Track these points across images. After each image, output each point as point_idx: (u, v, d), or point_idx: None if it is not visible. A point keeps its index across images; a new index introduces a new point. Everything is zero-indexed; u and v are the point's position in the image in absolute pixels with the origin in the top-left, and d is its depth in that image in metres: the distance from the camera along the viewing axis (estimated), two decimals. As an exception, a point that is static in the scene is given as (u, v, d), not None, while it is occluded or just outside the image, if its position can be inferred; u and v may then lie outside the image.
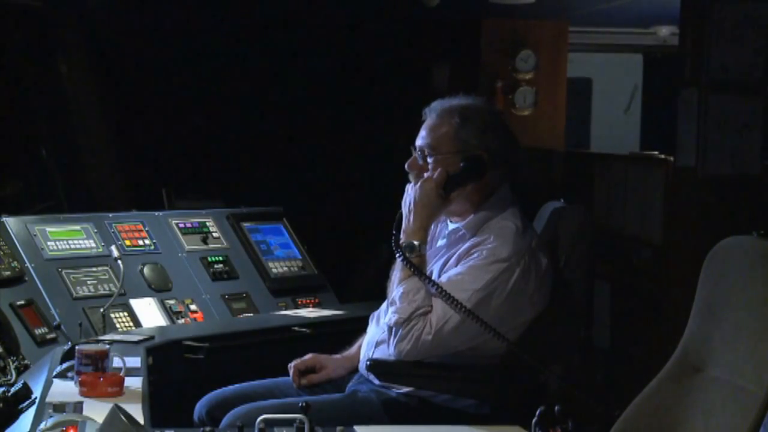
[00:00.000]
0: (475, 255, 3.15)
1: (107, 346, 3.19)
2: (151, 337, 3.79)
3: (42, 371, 3.28)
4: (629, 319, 5.14)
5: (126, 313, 4.37)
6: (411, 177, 3.29)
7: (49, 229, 4.53)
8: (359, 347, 3.46)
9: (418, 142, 3.29)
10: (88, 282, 4.42)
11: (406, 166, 3.30)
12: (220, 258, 4.88)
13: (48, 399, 2.88)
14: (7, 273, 4.21)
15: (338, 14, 6.90)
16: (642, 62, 9.24)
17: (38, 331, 4.07)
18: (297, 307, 4.80)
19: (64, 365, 3.21)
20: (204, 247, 4.89)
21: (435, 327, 3.08)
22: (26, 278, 4.29)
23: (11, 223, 4.44)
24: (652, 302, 4.90)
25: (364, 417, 3.09)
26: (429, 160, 3.25)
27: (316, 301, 4.94)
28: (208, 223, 5.01)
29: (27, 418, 2.76)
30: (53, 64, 6.09)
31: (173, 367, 3.79)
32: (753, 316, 2.61)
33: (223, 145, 6.88)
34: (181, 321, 4.49)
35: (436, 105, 3.32)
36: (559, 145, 6.98)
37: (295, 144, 7.05)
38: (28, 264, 4.33)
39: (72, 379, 3.07)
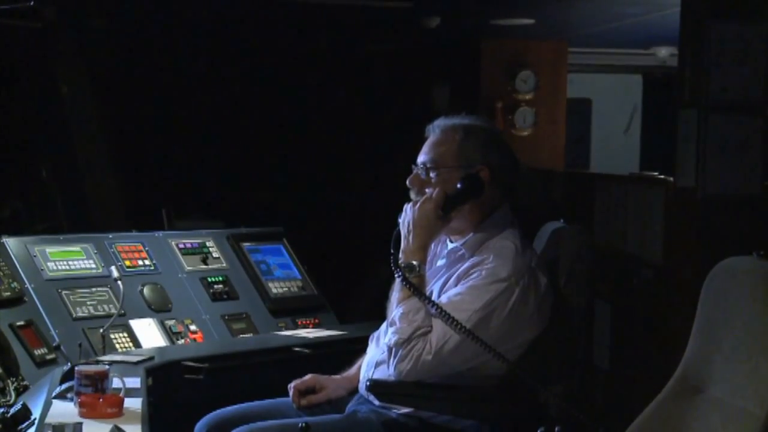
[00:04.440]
0: (475, 275, 3.15)
1: (107, 367, 3.18)
2: (151, 358, 3.79)
3: (41, 392, 3.28)
4: (629, 339, 5.14)
5: (126, 334, 4.37)
6: (412, 193, 3.30)
7: (48, 249, 4.53)
8: (359, 368, 3.46)
9: (421, 158, 3.30)
10: (88, 302, 4.42)
11: (407, 182, 3.31)
12: (220, 278, 4.88)
13: (47, 420, 2.87)
14: (7, 294, 4.21)
15: (338, 35, 6.92)
16: (641, 83, 9.26)
17: (38, 352, 4.07)
18: (297, 328, 4.80)
19: (64, 386, 3.21)
20: (204, 267, 4.90)
21: (435, 347, 3.07)
22: (26, 299, 4.29)
23: (11, 243, 4.45)
24: (652, 322, 4.89)
25: (364, 438, 3.09)
26: (432, 175, 3.26)
27: (316, 321, 4.94)
28: (207, 244, 5.01)
29: (26, 439, 2.76)
30: (54, 86, 6.11)
31: (173, 388, 3.78)
32: (753, 337, 2.61)
33: (223, 165, 6.90)
34: (181, 341, 4.49)
35: (440, 122, 3.33)
36: (559, 165, 6.99)
37: (295, 164, 7.06)
38: (27, 284, 4.33)
39: (71, 400, 3.07)
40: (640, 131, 9.51)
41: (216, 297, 4.79)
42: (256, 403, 3.48)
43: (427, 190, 3.25)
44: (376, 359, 3.30)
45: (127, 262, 4.68)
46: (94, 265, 4.59)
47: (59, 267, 4.50)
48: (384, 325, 3.29)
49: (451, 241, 3.34)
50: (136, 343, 4.36)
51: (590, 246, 3.43)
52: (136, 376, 3.44)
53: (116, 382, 3.12)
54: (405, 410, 3.20)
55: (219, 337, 4.61)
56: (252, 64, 6.89)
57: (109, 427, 2.76)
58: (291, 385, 3.47)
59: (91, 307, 4.41)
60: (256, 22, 6.42)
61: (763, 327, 2.59)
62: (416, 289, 3.11)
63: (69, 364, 3.65)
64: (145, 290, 4.61)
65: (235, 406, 3.44)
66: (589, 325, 5.14)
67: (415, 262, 3.16)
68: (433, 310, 3.10)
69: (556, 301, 3.24)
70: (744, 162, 4.51)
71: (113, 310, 4.40)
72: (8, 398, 3.59)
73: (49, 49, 6.08)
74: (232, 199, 6.65)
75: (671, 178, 4.81)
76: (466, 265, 3.19)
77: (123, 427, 2.77)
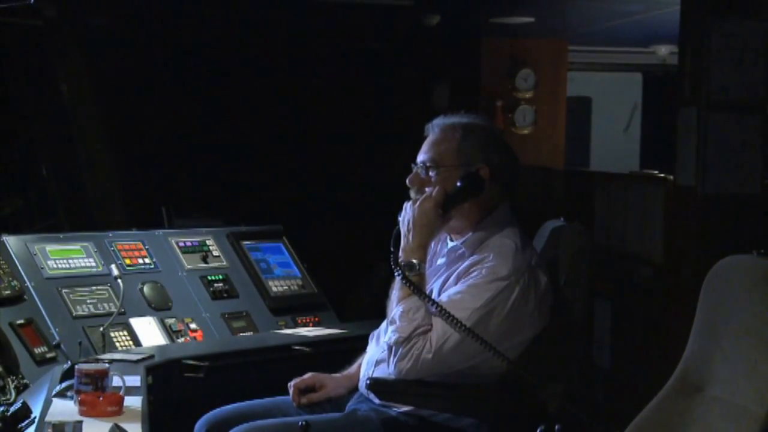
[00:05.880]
0: (475, 273, 3.15)
1: (107, 365, 3.19)
2: (151, 356, 3.79)
3: (41, 390, 3.28)
4: (629, 337, 5.14)
5: (126, 332, 4.37)
6: (411, 192, 3.30)
7: (49, 247, 4.53)
8: (359, 366, 3.46)
9: (420, 157, 3.30)
10: (88, 301, 4.41)
11: (407, 181, 3.31)
12: (220, 277, 4.88)
13: (47, 418, 2.87)
14: (7, 292, 4.21)
15: (339, 34, 6.92)
16: (641, 81, 9.27)
17: (38, 350, 4.07)
18: (297, 326, 4.80)
19: (64, 384, 3.21)
20: (204, 265, 4.89)
21: (435, 346, 3.08)
22: (26, 297, 4.29)
23: (11, 241, 4.45)
24: (652, 321, 4.90)
25: (364, 436, 3.09)
26: (431, 174, 3.26)
27: (316, 319, 4.94)
28: (207, 242, 5.01)
29: (26, 437, 2.76)
30: (54, 84, 6.11)
31: (173, 386, 3.78)
32: (753, 335, 2.61)
33: (222, 163, 6.89)
34: (181, 340, 4.48)
35: (439, 121, 3.33)
36: (559, 164, 7.00)
37: (295, 162, 7.06)
38: (27, 283, 4.33)
39: (71, 398, 3.07)
40: (640, 129, 9.52)
41: (216, 295, 4.79)
42: (256, 401, 3.48)
43: (427, 189, 3.25)
44: (376, 358, 3.31)
45: (127, 261, 4.68)
46: (94, 264, 4.59)
47: (59, 265, 4.49)
48: (384, 324, 3.29)
49: (451, 240, 3.34)
50: (136, 342, 4.35)
51: (590, 244, 3.43)
52: (136, 374, 3.44)
53: (116, 381, 3.12)
54: (405, 408, 3.20)
55: (219, 336, 4.61)
56: (252, 63, 6.89)
57: (109, 425, 2.76)
58: (291, 384, 3.48)
59: (91, 306, 4.41)
60: (255, 21, 6.42)
61: (762, 325, 2.59)
62: (416, 287, 3.11)
63: (69, 362, 3.65)
64: (145, 289, 4.61)
65: (235, 405, 3.44)
66: (589, 323, 5.15)
67: (415, 261, 3.16)
68: (433, 309, 3.10)
69: (556, 300, 3.24)
70: (744, 160, 4.52)
71: (113, 309, 4.40)
72: (8, 396, 3.59)
73: (50, 47, 6.08)
74: (231, 198, 6.65)
75: (671, 177, 4.82)
76: (466, 263, 3.20)
77: (123, 425, 2.77)
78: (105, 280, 4.52)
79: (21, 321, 4.14)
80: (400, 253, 3.19)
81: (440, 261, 3.34)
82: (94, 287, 4.48)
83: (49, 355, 4.09)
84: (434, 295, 3.19)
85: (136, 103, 6.58)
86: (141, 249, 4.77)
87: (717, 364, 2.70)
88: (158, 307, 4.57)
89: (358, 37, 7.04)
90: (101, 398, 2.98)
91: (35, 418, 2.90)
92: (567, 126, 7.22)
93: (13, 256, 4.39)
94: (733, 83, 4.49)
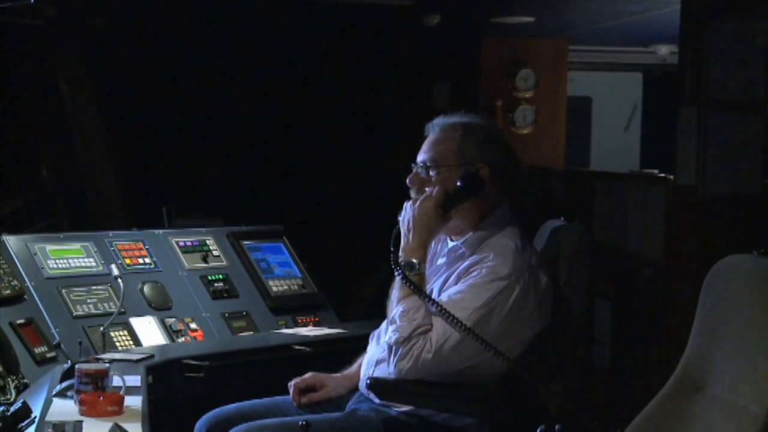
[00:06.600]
0: (475, 273, 3.15)
1: (107, 365, 3.19)
2: (151, 356, 3.79)
3: (42, 390, 3.28)
4: (629, 337, 5.14)
5: (126, 332, 4.37)
6: (412, 192, 3.30)
7: (49, 247, 4.53)
8: (359, 366, 3.46)
9: (421, 156, 3.30)
10: (88, 300, 4.42)
11: (407, 181, 3.31)
12: (220, 276, 4.88)
13: (48, 418, 2.87)
14: (7, 292, 4.21)
15: (338, 34, 6.92)
16: (641, 81, 9.27)
17: (38, 350, 4.07)
18: (297, 326, 4.80)
19: (64, 384, 3.21)
20: (204, 265, 4.90)
21: (435, 345, 3.08)
22: (26, 297, 4.29)
23: (11, 241, 4.45)
24: (652, 320, 4.89)
25: (364, 436, 3.09)
26: (431, 173, 3.26)
27: (316, 319, 4.94)
28: (208, 242, 5.01)
29: (26, 437, 2.76)
30: (54, 84, 6.11)
31: (173, 386, 3.78)
32: (753, 335, 2.61)
33: (223, 163, 6.90)
34: (181, 339, 4.49)
35: (439, 120, 3.33)
36: (559, 164, 6.99)
37: (295, 162, 7.06)
38: (28, 283, 4.33)
39: (72, 398, 3.07)
40: (640, 129, 9.51)
41: (216, 295, 4.79)
42: (256, 401, 3.48)
43: (427, 189, 3.25)
44: (377, 357, 3.31)
45: (128, 260, 4.68)
46: (94, 264, 4.59)
47: (59, 265, 4.50)
48: (384, 324, 3.29)
49: (452, 240, 3.34)
50: (137, 342, 4.36)
51: (590, 244, 3.43)
52: (137, 374, 3.44)
53: (116, 381, 3.13)
54: (405, 408, 3.20)
55: (219, 336, 4.61)
56: (252, 63, 6.89)
57: (110, 425, 2.76)
58: (291, 383, 3.48)
59: (91, 306, 4.41)
60: (255, 21, 6.42)
61: (762, 325, 2.59)
62: (416, 287, 3.11)
63: (69, 362, 3.65)
64: (146, 288, 4.61)
65: (235, 405, 3.44)
66: (590, 323, 5.15)
67: (415, 261, 3.16)
68: (433, 309, 3.10)
69: (556, 300, 3.24)
70: (744, 160, 4.51)
71: (113, 309, 4.40)
72: (8, 396, 3.59)
73: (49, 47, 6.08)
74: (232, 197, 6.65)
75: (671, 176, 4.81)
76: (467, 263, 3.20)
77: (123, 425, 2.77)
78: (105, 279, 4.52)
79: (21, 321, 4.14)
80: (400, 253, 3.19)
81: (440, 261, 3.34)
82: (94, 287, 4.49)
83: (49, 355, 4.10)
84: (434, 295, 3.19)
85: (135, 103, 6.58)
86: (141, 249, 4.78)
87: (717, 364, 2.70)
88: (158, 307, 4.58)
89: (358, 37, 7.03)
90: (101, 398, 2.98)
91: (35, 417, 2.90)
92: (567, 125, 7.22)
93: (13, 256, 4.40)
94: (733, 83, 4.48)
